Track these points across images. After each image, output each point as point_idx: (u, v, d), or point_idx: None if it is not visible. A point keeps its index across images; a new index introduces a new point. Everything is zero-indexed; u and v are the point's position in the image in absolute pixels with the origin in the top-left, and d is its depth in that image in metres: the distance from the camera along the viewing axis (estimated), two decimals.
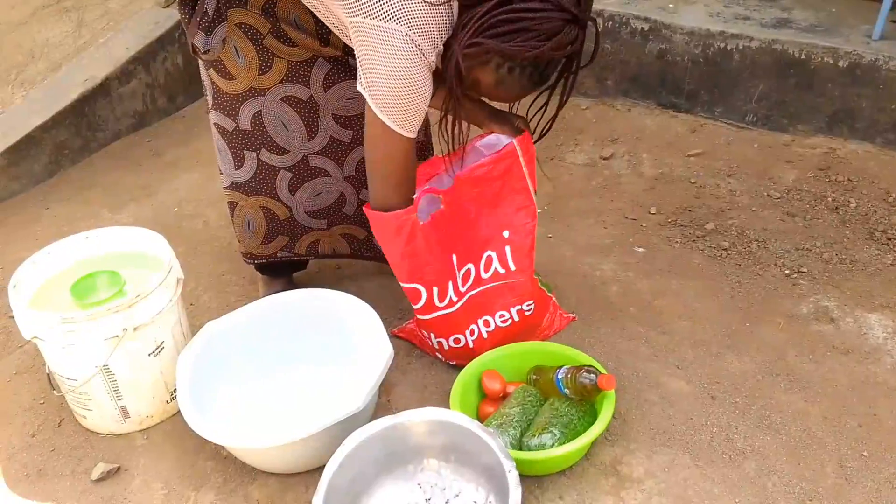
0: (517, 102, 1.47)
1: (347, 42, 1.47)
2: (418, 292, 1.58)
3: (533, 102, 1.46)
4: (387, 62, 1.26)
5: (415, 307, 1.61)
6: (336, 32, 1.47)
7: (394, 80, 1.28)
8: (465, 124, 1.42)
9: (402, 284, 1.59)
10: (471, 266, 1.60)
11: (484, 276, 1.60)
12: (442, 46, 1.31)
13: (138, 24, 2.90)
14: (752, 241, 2.08)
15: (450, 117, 1.38)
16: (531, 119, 1.53)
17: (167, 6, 2.96)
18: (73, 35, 2.88)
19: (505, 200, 1.57)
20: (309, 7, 1.45)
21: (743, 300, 1.89)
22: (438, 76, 1.55)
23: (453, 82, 1.31)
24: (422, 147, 1.73)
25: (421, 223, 1.51)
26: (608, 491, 1.44)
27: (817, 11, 2.62)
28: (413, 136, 1.37)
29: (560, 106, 1.44)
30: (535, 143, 1.57)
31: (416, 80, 1.29)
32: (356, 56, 1.31)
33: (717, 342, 1.76)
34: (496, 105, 1.52)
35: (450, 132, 1.39)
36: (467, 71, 1.31)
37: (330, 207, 1.77)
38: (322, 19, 1.46)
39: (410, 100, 1.31)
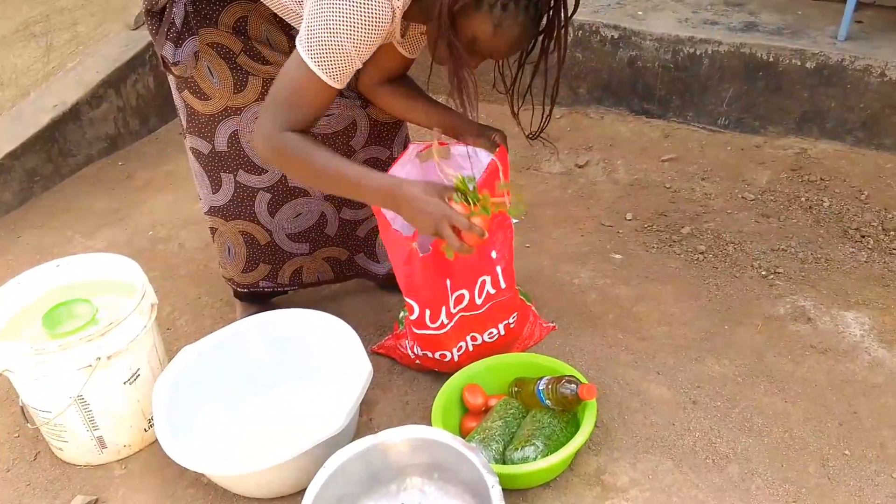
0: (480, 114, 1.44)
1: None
2: (412, 308, 1.58)
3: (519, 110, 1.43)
4: (343, 12, 1.20)
5: (410, 318, 1.60)
6: (297, 25, 1.43)
7: (342, 27, 1.20)
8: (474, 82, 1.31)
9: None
10: (465, 291, 1.58)
11: (478, 301, 1.59)
12: None
13: (108, 48, 2.87)
14: (728, 243, 2.10)
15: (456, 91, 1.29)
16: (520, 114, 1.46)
17: (136, 29, 2.94)
18: (41, 60, 2.85)
19: (490, 220, 1.56)
20: (271, 7, 1.42)
21: (721, 303, 1.89)
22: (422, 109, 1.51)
23: (449, 35, 1.24)
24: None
25: (421, 255, 1.48)
26: (593, 501, 1.44)
27: (783, 14, 2.66)
28: (337, 86, 1.29)
29: (559, 71, 1.37)
30: (536, 136, 1.50)
31: (366, 29, 1.21)
32: (305, 14, 1.24)
33: (696, 346, 1.77)
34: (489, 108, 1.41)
35: (459, 97, 1.30)
36: (461, 27, 1.25)
37: (311, 229, 1.75)
38: (285, 17, 1.43)
39: (347, 49, 1.23)
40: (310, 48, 1.24)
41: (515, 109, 1.46)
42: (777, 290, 1.92)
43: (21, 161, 2.52)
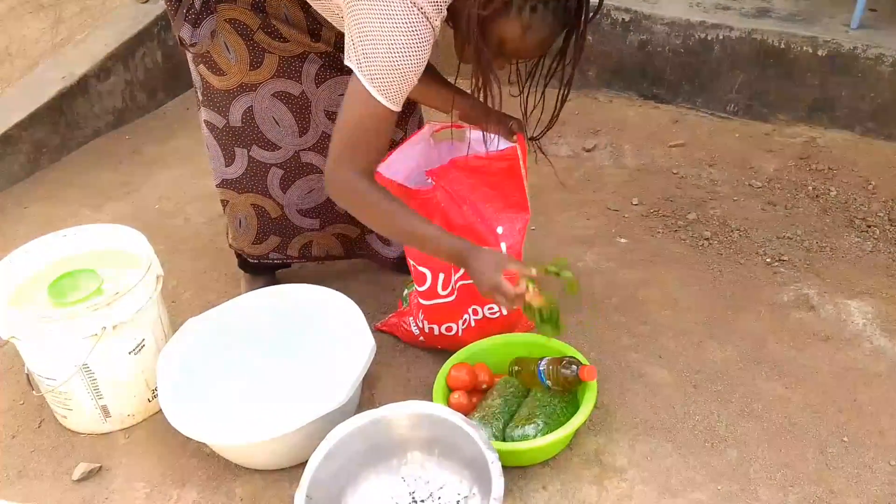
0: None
1: (341, 28, 1.43)
2: (424, 276, 1.58)
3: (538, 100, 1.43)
4: (386, 31, 1.21)
5: (419, 289, 1.61)
6: (328, 17, 1.44)
7: (392, 49, 1.22)
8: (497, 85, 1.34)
9: (410, 263, 1.59)
10: None
11: None
12: (446, 11, 1.26)
13: (116, 21, 2.87)
14: (734, 230, 2.09)
15: (483, 89, 1.32)
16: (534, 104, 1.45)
17: (145, 2, 2.93)
18: (50, 32, 2.85)
19: (500, 197, 1.57)
20: None
21: (724, 289, 1.90)
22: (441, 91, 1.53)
23: (478, 41, 1.26)
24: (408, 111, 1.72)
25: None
26: (591, 480, 1.45)
27: (796, 1, 2.63)
28: (397, 109, 1.30)
29: (572, 72, 1.38)
30: (539, 138, 1.52)
31: (415, 49, 1.23)
32: (346, 30, 1.26)
33: (698, 331, 1.77)
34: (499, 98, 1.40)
35: (484, 98, 1.33)
36: (490, 32, 1.26)
37: (322, 205, 1.76)
38: (313, 4, 1.43)
39: (403, 71, 1.24)
40: (372, 79, 1.24)
41: (527, 111, 1.47)
42: (781, 277, 1.92)
43: (29, 132, 2.52)
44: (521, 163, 1.55)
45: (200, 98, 1.63)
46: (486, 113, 1.56)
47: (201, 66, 1.56)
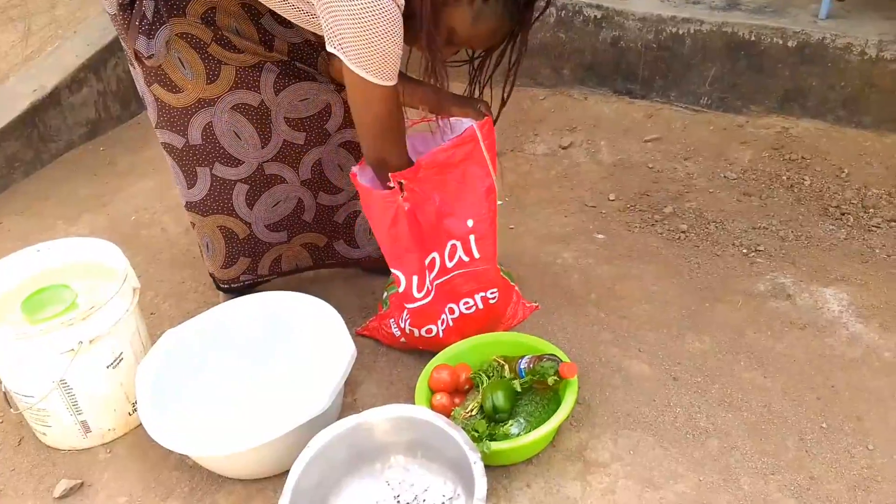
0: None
1: (306, 27, 1.44)
2: (399, 280, 1.58)
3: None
4: (352, 11, 1.22)
5: (398, 290, 1.61)
6: (294, 19, 1.43)
7: (362, 28, 1.23)
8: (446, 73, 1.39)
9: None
10: (435, 255, 1.59)
11: (448, 264, 1.60)
12: None
13: (87, 31, 2.84)
14: (710, 222, 2.11)
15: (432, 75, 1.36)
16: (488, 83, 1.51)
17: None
18: (20, 44, 2.82)
19: (468, 187, 1.56)
20: (265, 3, 1.41)
21: (702, 281, 1.91)
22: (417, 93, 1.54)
23: (430, 27, 1.29)
24: None
25: (406, 208, 1.50)
26: (575, 476, 1.46)
27: None
28: (393, 83, 1.33)
29: (518, 61, 1.42)
30: (496, 117, 1.55)
31: (385, 24, 1.24)
32: (321, 17, 1.27)
33: (677, 324, 1.79)
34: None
35: (432, 83, 1.37)
36: (441, 19, 1.30)
37: (289, 217, 1.75)
38: (277, 10, 1.42)
39: (381, 45, 1.26)
40: (361, 63, 1.27)
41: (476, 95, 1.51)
42: (757, 267, 1.94)
43: (1, 146, 2.49)
44: (481, 144, 1.54)
45: (156, 120, 1.59)
46: (451, 99, 1.57)
47: (155, 85, 1.53)
